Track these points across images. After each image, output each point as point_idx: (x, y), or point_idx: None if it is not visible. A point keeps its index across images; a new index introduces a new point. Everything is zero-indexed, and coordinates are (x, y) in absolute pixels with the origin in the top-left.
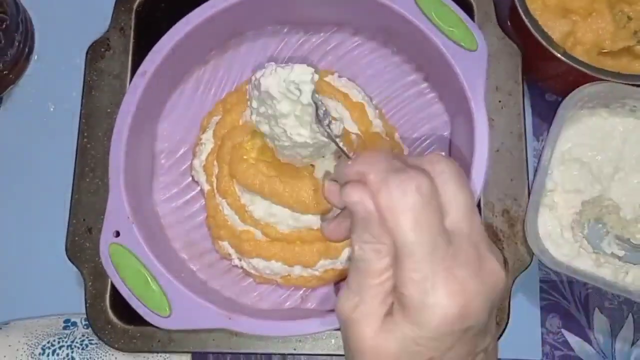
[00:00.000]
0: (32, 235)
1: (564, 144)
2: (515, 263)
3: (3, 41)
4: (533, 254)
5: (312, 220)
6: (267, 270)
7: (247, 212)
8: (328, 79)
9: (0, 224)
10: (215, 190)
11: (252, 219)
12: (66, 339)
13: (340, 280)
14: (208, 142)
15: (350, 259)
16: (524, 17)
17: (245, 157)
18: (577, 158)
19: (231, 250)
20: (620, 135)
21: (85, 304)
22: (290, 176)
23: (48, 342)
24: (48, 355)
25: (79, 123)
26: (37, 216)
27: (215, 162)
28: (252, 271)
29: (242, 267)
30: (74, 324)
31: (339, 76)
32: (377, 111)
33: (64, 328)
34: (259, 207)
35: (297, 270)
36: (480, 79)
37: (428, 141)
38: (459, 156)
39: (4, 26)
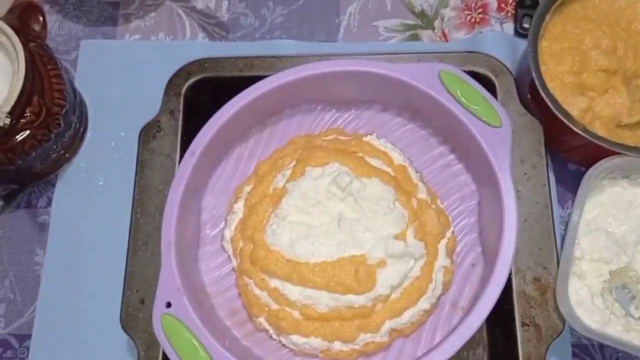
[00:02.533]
0: (88, 305)
1: (589, 214)
2: (549, 330)
3: (63, 125)
4: (565, 320)
5: (353, 298)
6: (306, 345)
7: (281, 296)
8: (367, 138)
9: (59, 294)
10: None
11: (288, 301)
12: None
13: (381, 351)
14: (239, 211)
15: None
16: (544, 96)
17: (266, 239)
18: (602, 227)
19: (268, 327)
20: None
21: None
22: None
23: None
24: None
25: (133, 200)
26: (94, 287)
27: (240, 236)
28: (291, 346)
29: (280, 342)
30: None
31: (378, 137)
32: (419, 174)
33: None
34: (293, 290)
35: (337, 346)
36: (506, 154)
37: (457, 210)
38: (488, 225)
39: (63, 112)
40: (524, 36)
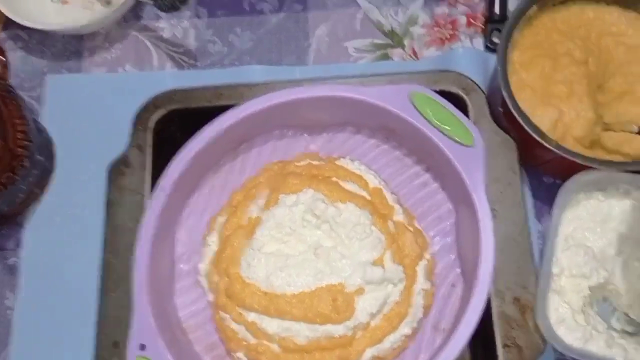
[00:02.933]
0: (61, 350)
1: (566, 228)
2: (531, 350)
3: (29, 166)
4: (545, 340)
5: (331, 328)
6: None
7: (259, 329)
8: (341, 162)
9: (31, 339)
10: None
11: (266, 334)
12: None
13: None
14: (213, 244)
15: None
16: (514, 112)
17: (241, 273)
18: (580, 242)
19: None
20: (618, 216)
21: None
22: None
23: None
24: None
25: (103, 240)
26: (66, 331)
27: (215, 270)
28: None
29: None
30: None
31: (351, 159)
32: (395, 196)
33: None
34: (271, 323)
35: None
36: (480, 173)
37: (435, 229)
38: (465, 244)
39: (28, 153)
40: (494, 51)
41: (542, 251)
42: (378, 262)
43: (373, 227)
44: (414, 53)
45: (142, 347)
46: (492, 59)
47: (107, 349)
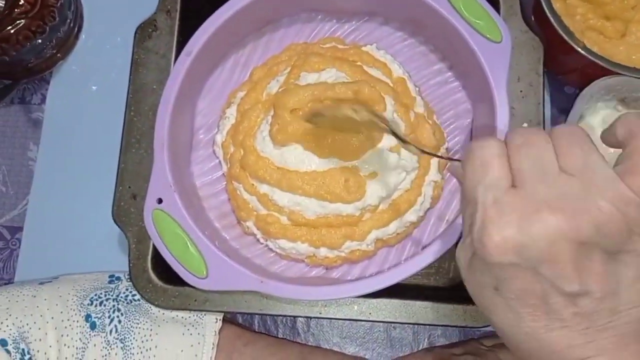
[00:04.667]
0: (81, 200)
1: None
2: None
3: (58, 18)
4: None
5: (341, 207)
6: (292, 250)
7: (270, 201)
8: (367, 48)
9: (51, 189)
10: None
11: (276, 206)
12: (112, 293)
13: (365, 258)
14: (232, 116)
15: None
16: (547, 11)
17: (256, 145)
18: None
19: (256, 231)
20: None
21: (129, 264)
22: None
23: (95, 295)
24: (96, 305)
25: (127, 97)
26: (86, 183)
27: (231, 141)
28: (278, 250)
29: (267, 246)
30: (119, 278)
31: (377, 48)
32: (417, 88)
33: (109, 282)
34: (282, 197)
35: (323, 252)
36: (504, 70)
37: (452, 126)
38: None
39: (59, 4)
40: None
41: None
42: (395, 149)
43: (395, 114)
44: None
45: (160, 200)
46: None
47: (126, 200)
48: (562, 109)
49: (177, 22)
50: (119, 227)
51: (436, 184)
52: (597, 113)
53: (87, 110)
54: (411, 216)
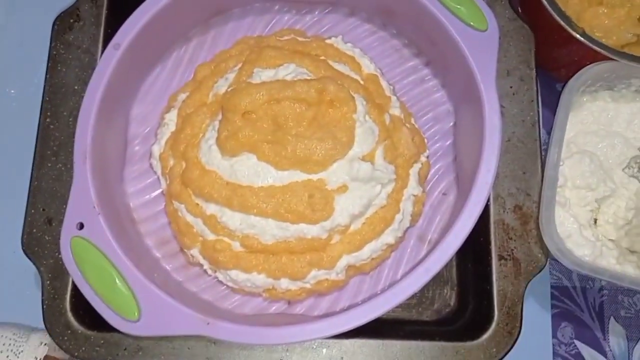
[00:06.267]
0: None
1: (567, 133)
2: (529, 265)
3: None
4: (547, 255)
5: (305, 228)
6: (247, 283)
7: (219, 224)
8: (331, 40)
9: None
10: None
11: (226, 230)
12: (19, 352)
13: (335, 290)
14: (171, 122)
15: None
16: None
17: (201, 157)
18: (583, 150)
19: (202, 260)
20: (625, 119)
21: (43, 305)
22: (277, 164)
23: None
24: None
25: (42, 101)
26: None
27: (171, 152)
28: (230, 283)
29: (216, 278)
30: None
31: (344, 41)
32: (392, 87)
33: (17, 336)
34: (233, 218)
35: (284, 283)
36: (491, 61)
37: (431, 131)
38: (465, 147)
39: None
40: None
41: (545, 157)
42: (368, 158)
43: (367, 117)
44: None
45: (81, 226)
46: None
47: (39, 226)
48: (554, 108)
49: (104, 11)
50: (30, 259)
51: (416, 199)
52: (583, 107)
53: (2, 117)
54: (388, 237)
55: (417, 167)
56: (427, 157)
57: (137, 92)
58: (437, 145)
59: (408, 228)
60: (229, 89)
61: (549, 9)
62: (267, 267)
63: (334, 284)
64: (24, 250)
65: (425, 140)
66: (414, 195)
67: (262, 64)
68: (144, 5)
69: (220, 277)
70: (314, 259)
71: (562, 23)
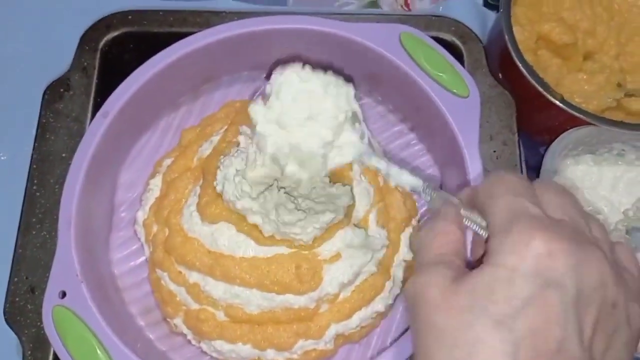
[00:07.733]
0: None
1: None
2: None
3: None
4: None
5: (292, 299)
6: (232, 354)
7: (202, 292)
8: None
9: None
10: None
11: (210, 299)
12: None
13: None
14: (156, 188)
15: None
16: (519, 63)
17: (183, 223)
18: None
19: (186, 330)
20: (609, 182)
21: None
22: (257, 239)
23: None
24: None
25: (29, 168)
26: None
27: (154, 218)
28: (214, 354)
29: (200, 348)
30: None
31: None
32: (382, 148)
33: None
34: (217, 287)
35: (270, 354)
36: (474, 127)
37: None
38: None
39: None
40: (494, 7)
41: None
42: (362, 223)
43: (362, 177)
44: (406, 4)
45: (63, 294)
46: (491, 15)
47: (22, 295)
48: (538, 171)
49: (94, 81)
50: (11, 329)
51: (407, 264)
52: (566, 170)
53: None
54: (378, 305)
55: (408, 231)
56: (419, 221)
57: (125, 159)
58: (424, 208)
59: (398, 295)
60: (213, 151)
61: (527, 76)
62: (253, 338)
63: (322, 354)
64: (5, 320)
65: (417, 205)
66: (405, 261)
67: (248, 123)
68: (134, 74)
69: (205, 347)
70: (301, 329)
71: (541, 89)
